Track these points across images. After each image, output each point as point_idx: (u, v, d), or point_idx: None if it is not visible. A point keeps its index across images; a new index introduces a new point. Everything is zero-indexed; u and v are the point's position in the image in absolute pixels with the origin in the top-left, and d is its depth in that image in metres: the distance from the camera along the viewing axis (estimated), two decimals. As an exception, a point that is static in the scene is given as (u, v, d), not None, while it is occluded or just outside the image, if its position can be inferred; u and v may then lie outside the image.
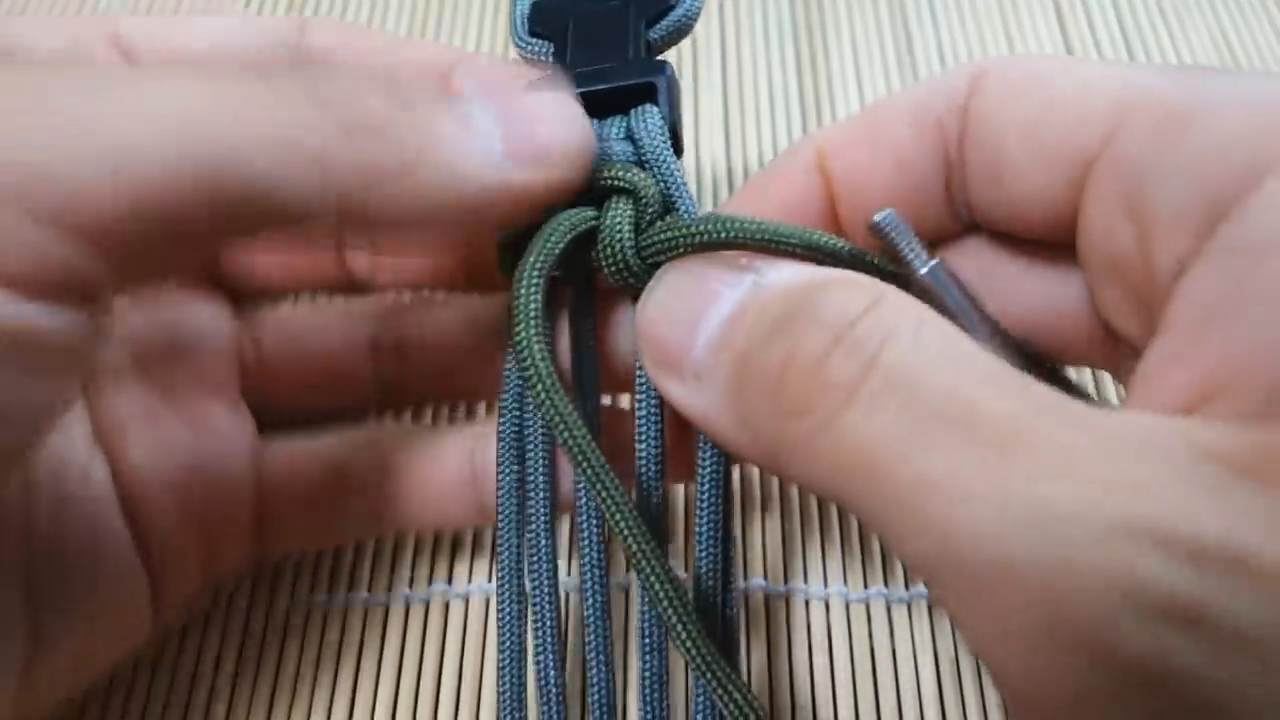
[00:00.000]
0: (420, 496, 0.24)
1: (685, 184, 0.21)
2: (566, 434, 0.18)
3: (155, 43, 0.22)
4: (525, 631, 0.21)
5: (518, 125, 0.19)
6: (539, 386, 0.18)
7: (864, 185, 0.21)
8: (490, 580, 0.26)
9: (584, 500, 0.20)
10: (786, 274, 0.18)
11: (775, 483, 0.27)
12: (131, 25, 0.22)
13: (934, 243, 0.21)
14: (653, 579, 0.18)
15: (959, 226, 0.21)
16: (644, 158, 0.21)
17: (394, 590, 0.26)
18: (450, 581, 0.26)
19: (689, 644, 0.18)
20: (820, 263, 0.19)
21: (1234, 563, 0.12)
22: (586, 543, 0.20)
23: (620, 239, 0.20)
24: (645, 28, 0.22)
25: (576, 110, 0.20)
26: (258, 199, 0.16)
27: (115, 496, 0.21)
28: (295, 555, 0.26)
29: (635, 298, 0.20)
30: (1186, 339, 0.15)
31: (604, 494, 0.18)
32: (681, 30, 0.23)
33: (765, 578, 0.26)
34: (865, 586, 0.26)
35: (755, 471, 0.28)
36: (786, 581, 0.26)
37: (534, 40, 0.23)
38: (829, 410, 0.15)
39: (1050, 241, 0.19)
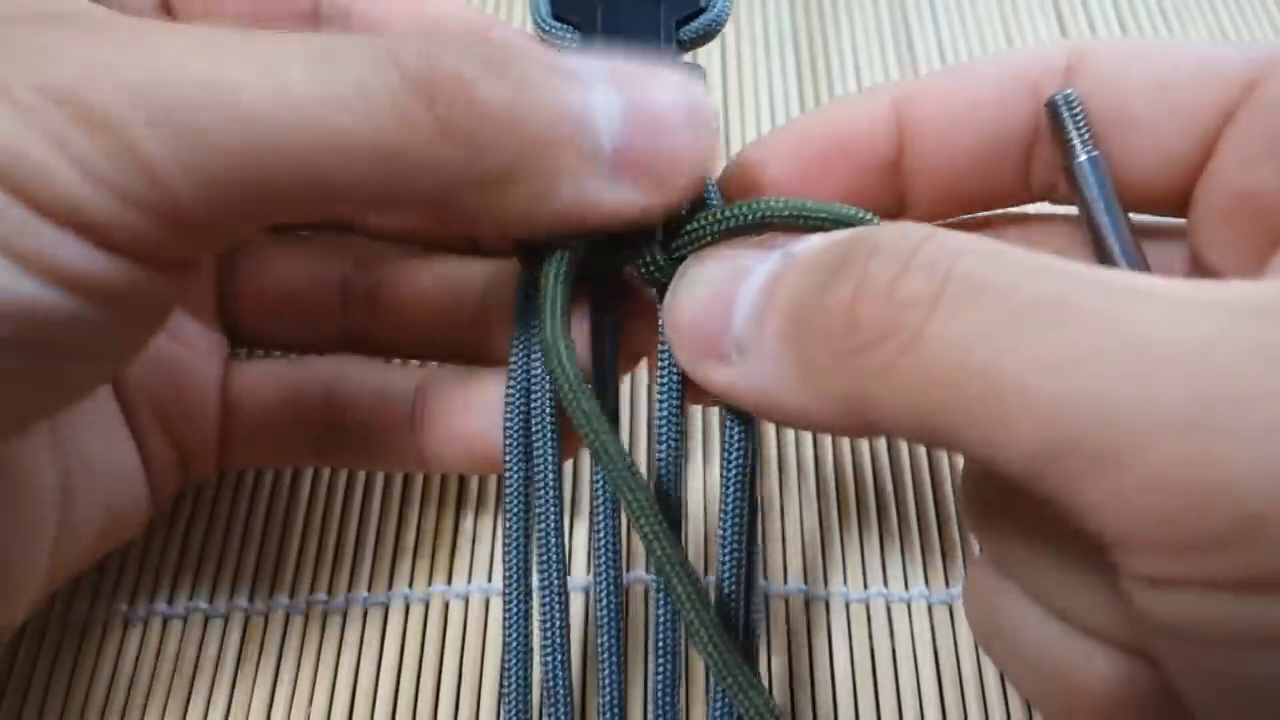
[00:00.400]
0: (360, 433, 0.24)
1: (713, 186, 0.20)
2: (590, 432, 0.18)
3: None
4: (530, 631, 0.21)
5: (641, 134, 0.17)
6: (564, 382, 0.18)
7: (948, 136, 0.21)
8: (490, 580, 0.26)
9: (601, 499, 0.20)
10: (816, 240, 0.17)
11: (776, 484, 0.27)
12: None
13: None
14: (676, 581, 0.18)
15: (1026, 193, 0.21)
16: None
17: (394, 590, 0.26)
18: (450, 581, 0.26)
19: (710, 647, 0.18)
20: None
21: None
22: (602, 543, 0.20)
23: (651, 234, 0.20)
24: (676, 27, 0.22)
25: (707, 117, 0.18)
26: (341, 196, 0.16)
27: (111, 388, 0.22)
28: (296, 553, 0.27)
29: (659, 293, 0.20)
30: None
31: (628, 494, 0.18)
32: (711, 32, 0.23)
33: (766, 579, 0.26)
34: (865, 587, 0.26)
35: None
36: (786, 583, 0.26)
37: (559, 24, 0.22)
38: (911, 327, 0.14)
39: (1147, 199, 0.20)
